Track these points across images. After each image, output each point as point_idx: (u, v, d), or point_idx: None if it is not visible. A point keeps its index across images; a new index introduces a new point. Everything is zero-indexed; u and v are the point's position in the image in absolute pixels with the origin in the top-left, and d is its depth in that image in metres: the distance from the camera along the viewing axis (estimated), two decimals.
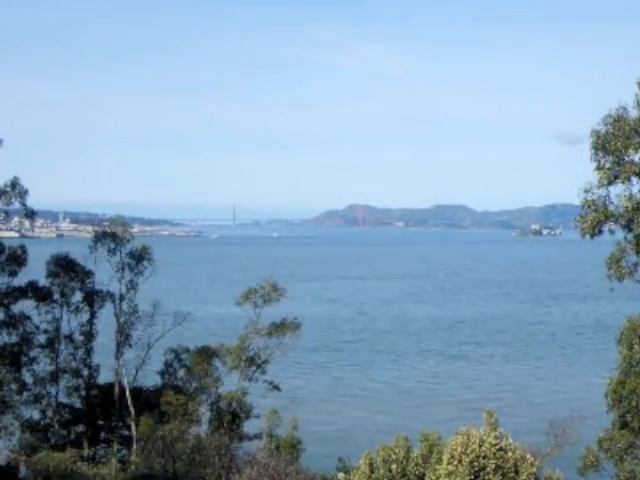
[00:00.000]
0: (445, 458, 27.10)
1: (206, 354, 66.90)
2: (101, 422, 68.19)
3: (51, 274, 66.96)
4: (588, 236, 37.91)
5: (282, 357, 69.78)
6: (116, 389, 66.93)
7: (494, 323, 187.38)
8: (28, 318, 65.47)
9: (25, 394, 65.47)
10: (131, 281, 67.55)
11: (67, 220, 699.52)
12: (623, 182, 37.29)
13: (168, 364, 68.48)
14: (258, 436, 64.63)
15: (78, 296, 67.88)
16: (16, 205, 64.03)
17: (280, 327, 67.44)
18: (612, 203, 37.61)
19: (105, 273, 68.13)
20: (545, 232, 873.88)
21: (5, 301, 64.15)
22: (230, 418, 65.65)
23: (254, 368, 67.32)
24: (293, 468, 52.37)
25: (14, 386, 64.82)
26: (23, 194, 63.39)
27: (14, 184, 62.89)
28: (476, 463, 26.30)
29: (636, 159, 37.47)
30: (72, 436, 67.07)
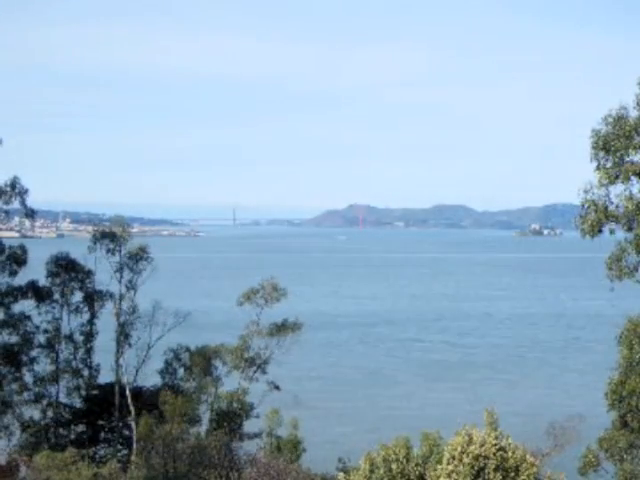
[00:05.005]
0: (445, 458, 27.13)
1: (206, 354, 66.89)
2: (101, 422, 68.18)
3: (51, 274, 67.00)
4: (588, 236, 37.93)
5: (282, 357, 69.71)
6: (116, 389, 66.90)
7: (493, 322, 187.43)
8: (28, 318, 65.51)
9: (25, 394, 65.52)
10: (131, 281, 67.61)
11: (67, 220, 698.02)
12: (623, 182, 37.30)
13: (168, 364, 68.49)
14: (258, 436, 64.62)
15: (78, 296, 67.96)
16: (16, 205, 64.15)
17: (281, 328, 67.41)
18: (612, 203, 37.64)
19: (105, 273, 68.17)
20: (545, 232, 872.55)
21: (5, 301, 64.18)
22: (230, 418, 65.62)
23: (254, 368, 67.33)
24: (293, 468, 52.38)
25: (14, 386, 64.88)
26: (23, 194, 63.43)
27: (14, 184, 62.91)
28: (476, 463, 26.31)
29: (636, 159, 37.47)
30: (72, 436, 67.11)
